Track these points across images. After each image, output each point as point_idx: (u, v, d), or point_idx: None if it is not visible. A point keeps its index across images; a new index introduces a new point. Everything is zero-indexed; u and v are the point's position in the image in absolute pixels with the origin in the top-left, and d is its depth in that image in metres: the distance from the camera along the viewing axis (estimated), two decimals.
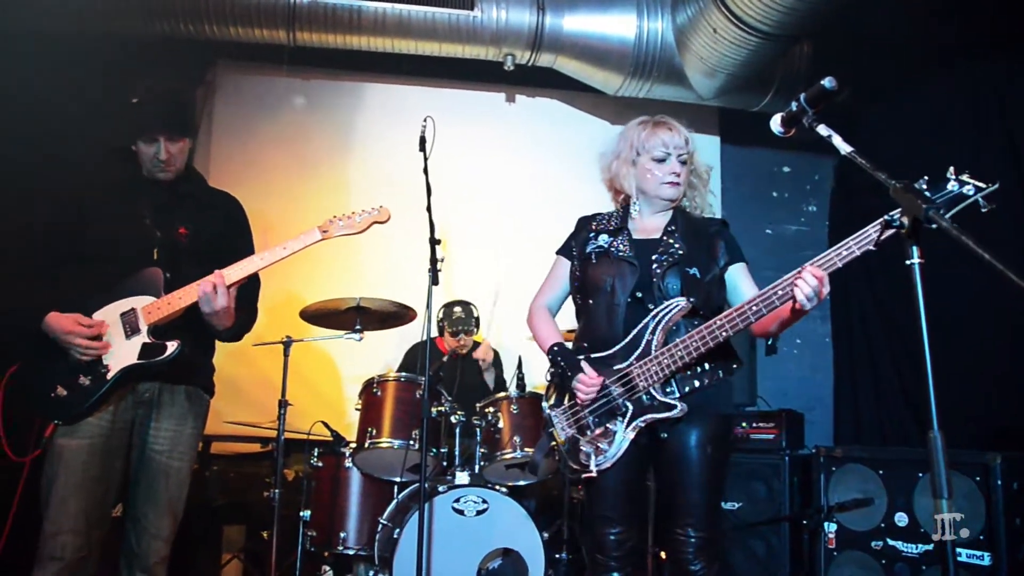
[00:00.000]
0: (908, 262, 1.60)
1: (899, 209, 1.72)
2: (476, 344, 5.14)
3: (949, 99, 4.94)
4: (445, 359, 4.68)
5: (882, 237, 1.95)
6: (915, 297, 1.59)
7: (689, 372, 2.58)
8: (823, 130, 1.92)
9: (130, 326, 2.68)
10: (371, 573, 4.05)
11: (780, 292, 2.34)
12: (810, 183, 6.53)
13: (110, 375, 2.64)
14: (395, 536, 3.72)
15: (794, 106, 1.99)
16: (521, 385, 4.25)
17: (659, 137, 2.77)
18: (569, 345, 2.84)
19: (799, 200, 6.52)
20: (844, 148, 1.87)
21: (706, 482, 2.58)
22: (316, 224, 2.89)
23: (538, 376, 5.05)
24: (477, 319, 5.05)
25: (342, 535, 4.16)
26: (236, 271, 2.73)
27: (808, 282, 2.24)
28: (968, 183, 1.80)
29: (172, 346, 2.67)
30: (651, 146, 2.77)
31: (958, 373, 4.39)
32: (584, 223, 2.96)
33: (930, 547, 3.63)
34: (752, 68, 4.99)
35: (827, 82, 1.90)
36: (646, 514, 3.60)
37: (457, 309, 5.00)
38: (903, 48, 5.12)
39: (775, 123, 2.08)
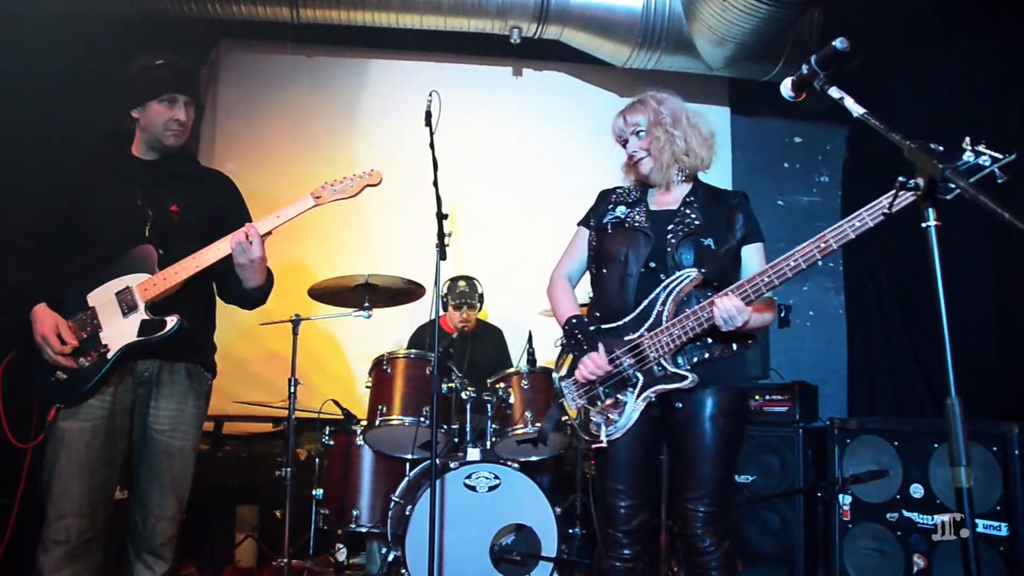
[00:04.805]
0: (924, 225, 1.55)
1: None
2: (480, 322, 5.12)
3: (969, 62, 4.83)
4: (454, 337, 4.66)
5: (893, 207, 1.92)
6: (931, 261, 1.55)
7: (700, 343, 2.56)
8: (835, 92, 1.87)
9: (126, 304, 2.65)
10: (384, 550, 4.06)
11: (791, 264, 2.35)
12: (822, 153, 6.45)
13: (110, 354, 2.61)
14: (407, 513, 3.71)
15: (805, 69, 1.95)
16: (531, 360, 4.22)
17: (614, 128, 2.85)
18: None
19: (811, 170, 6.44)
20: (857, 110, 1.82)
21: (718, 455, 2.56)
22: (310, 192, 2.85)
23: (548, 351, 5.05)
24: (481, 295, 5.03)
25: (355, 513, 4.17)
26: (262, 225, 2.71)
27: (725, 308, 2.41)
28: (984, 153, 1.74)
29: (172, 321, 2.63)
30: (616, 137, 2.87)
31: (974, 344, 4.34)
32: (604, 195, 2.94)
33: (946, 518, 3.60)
34: (762, 37, 4.90)
35: (838, 43, 1.85)
36: (657, 489, 3.58)
37: (461, 283, 4.98)
38: (919, 12, 5.00)
39: (786, 87, 2.04)
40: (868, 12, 5.18)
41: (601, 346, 2.64)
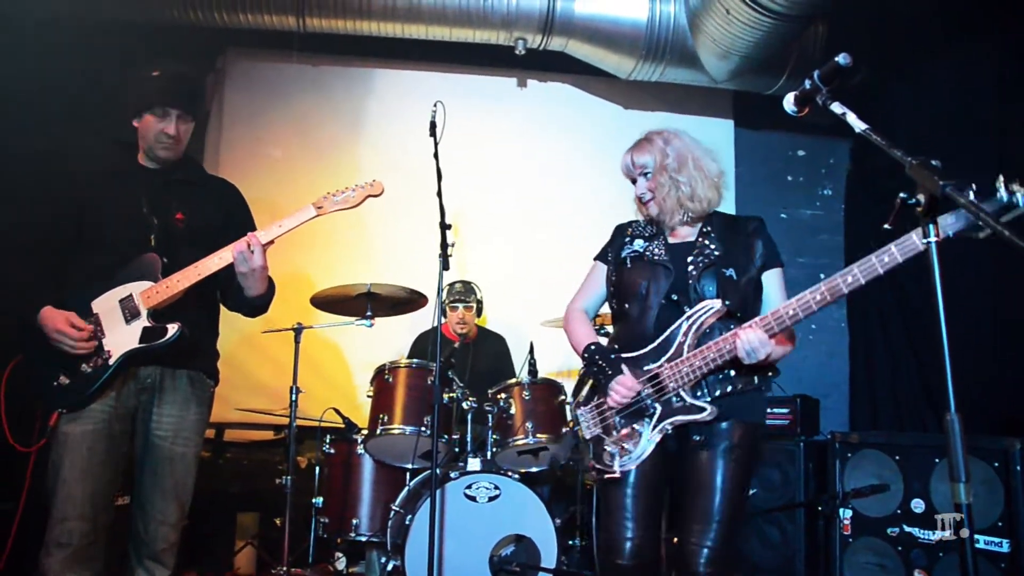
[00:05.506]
0: (924, 241, 1.56)
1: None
2: (481, 329, 5.12)
3: (971, 65, 4.82)
4: (456, 346, 4.66)
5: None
6: (932, 276, 1.55)
7: (723, 375, 2.52)
8: (837, 108, 1.87)
9: (129, 311, 2.67)
10: (383, 559, 4.06)
11: (817, 297, 2.29)
12: (825, 167, 6.45)
13: (112, 360, 2.64)
14: (407, 522, 3.71)
15: (808, 84, 1.94)
16: (533, 371, 4.22)
17: (622, 166, 2.80)
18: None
19: (814, 184, 6.44)
20: (859, 126, 1.82)
21: (727, 491, 2.49)
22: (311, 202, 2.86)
23: (550, 362, 5.05)
24: (480, 300, 5.03)
25: (354, 522, 4.17)
26: (264, 234, 2.73)
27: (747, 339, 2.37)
28: (1017, 192, 1.73)
29: (173, 328, 2.65)
30: (624, 174, 2.83)
31: (977, 359, 4.34)
32: (620, 230, 2.91)
33: (947, 533, 3.59)
34: (766, 50, 4.92)
35: (841, 58, 1.85)
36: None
37: (458, 285, 5.00)
38: (922, 21, 4.99)
39: (788, 102, 2.03)
40: (872, 25, 5.20)
41: (626, 368, 2.59)
